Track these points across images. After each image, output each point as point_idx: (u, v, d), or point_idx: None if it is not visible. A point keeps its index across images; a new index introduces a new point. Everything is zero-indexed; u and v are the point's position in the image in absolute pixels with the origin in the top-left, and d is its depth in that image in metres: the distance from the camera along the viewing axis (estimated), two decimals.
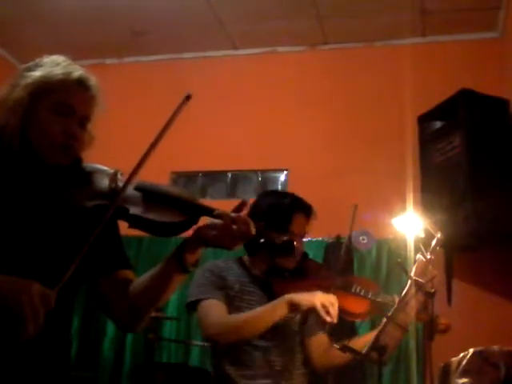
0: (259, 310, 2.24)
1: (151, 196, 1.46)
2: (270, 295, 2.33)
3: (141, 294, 1.50)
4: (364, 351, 2.24)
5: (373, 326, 3.58)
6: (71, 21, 4.85)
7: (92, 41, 5.13)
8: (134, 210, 1.41)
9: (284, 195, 2.50)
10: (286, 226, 2.31)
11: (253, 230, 1.40)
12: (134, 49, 5.26)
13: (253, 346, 2.26)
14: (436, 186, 4.05)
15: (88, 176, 1.50)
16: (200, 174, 5.15)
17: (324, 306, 2.19)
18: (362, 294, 2.42)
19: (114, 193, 1.42)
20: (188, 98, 1.43)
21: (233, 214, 1.41)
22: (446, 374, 2.08)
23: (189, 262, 1.45)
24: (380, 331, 2.26)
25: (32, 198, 1.44)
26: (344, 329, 2.52)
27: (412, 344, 3.71)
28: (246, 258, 2.47)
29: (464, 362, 1.97)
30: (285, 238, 1.45)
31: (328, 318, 2.18)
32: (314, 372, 2.54)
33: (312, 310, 2.22)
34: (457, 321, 3.85)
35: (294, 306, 2.21)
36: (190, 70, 5.19)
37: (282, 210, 2.34)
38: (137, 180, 1.46)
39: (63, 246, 1.43)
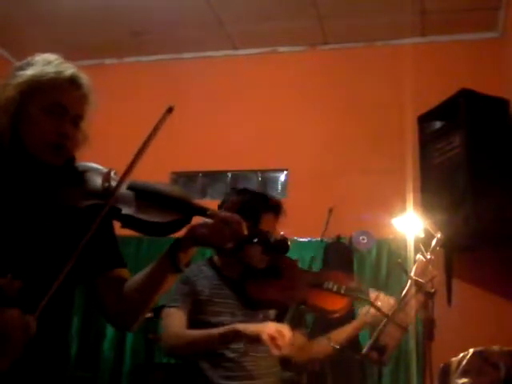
0: (208, 333, 2.21)
1: (144, 195, 1.45)
2: (244, 297, 2.32)
3: (134, 293, 1.50)
4: (364, 351, 2.24)
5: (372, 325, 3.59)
6: (71, 21, 4.84)
7: (92, 41, 5.12)
8: (127, 210, 1.41)
9: (252, 194, 2.44)
10: (255, 225, 2.30)
11: (245, 230, 1.40)
12: (133, 49, 5.26)
13: (228, 348, 2.25)
14: (436, 186, 4.05)
15: (81, 175, 1.49)
16: (200, 174, 5.15)
17: (272, 338, 2.11)
18: (334, 289, 2.40)
19: (108, 192, 1.42)
20: (170, 110, 1.40)
21: (225, 214, 1.41)
22: (445, 374, 2.08)
23: (181, 261, 1.44)
24: (380, 331, 2.26)
25: (24, 198, 1.43)
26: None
27: (412, 344, 3.71)
28: (216, 258, 2.44)
29: (464, 362, 1.97)
30: (278, 237, 1.45)
31: (274, 351, 2.11)
32: (313, 372, 2.54)
33: (258, 340, 2.14)
34: (457, 321, 3.87)
35: (240, 337, 2.18)
36: (190, 70, 5.19)
37: (250, 210, 2.26)
38: (132, 179, 1.46)
39: (56, 247, 1.42)
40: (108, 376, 4.51)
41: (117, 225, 1.50)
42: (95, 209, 1.36)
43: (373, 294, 2.43)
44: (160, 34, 5.02)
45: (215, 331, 2.19)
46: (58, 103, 1.46)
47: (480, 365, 1.93)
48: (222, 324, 2.25)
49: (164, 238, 1.47)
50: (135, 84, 5.26)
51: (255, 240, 1.43)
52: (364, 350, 2.30)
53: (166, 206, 1.43)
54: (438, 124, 4.26)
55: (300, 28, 4.84)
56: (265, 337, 2.11)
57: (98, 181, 1.46)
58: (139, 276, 1.51)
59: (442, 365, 2.14)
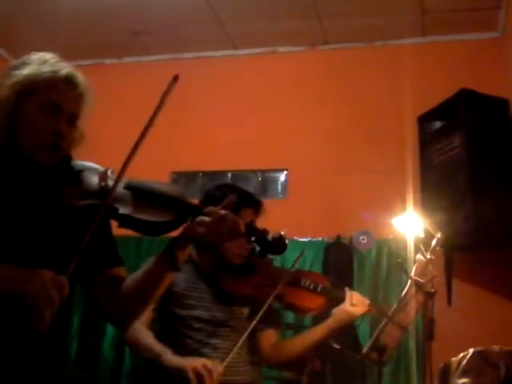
0: (148, 347, 2.21)
1: (141, 195, 1.45)
2: (218, 291, 2.32)
3: (132, 291, 1.50)
4: (364, 351, 2.24)
5: (372, 325, 3.59)
6: (71, 21, 4.84)
7: (91, 41, 5.12)
8: (124, 210, 1.40)
9: (232, 189, 2.41)
10: None
11: (242, 228, 1.40)
12: (133, 49, 5.26)
13: (202, 343, 2.25)
14: (436, 186, 4.05)
15: (78, 174, 1.49)
16: (200, 174, 5.15)
17: (198, 375, 2.06)
18: (311, 288, 2.40)
19: (104, 191, 1.41)
20: (176, 78, 1.41)
21: (222, 212, 1.41)
22: (445, 374, 2.08)
23: (179, 259, 1.44)
24: (380, 331, 2.26)
25: (21, 197, 1.42)
26: (344, 327, 2.51)
27: (412, 344, 3.71)
28: (194, 252, 2.43)
29: (464, 362, 1.97)
30: (276, 236, 1.44)
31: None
32: (313, 372, 2.55)
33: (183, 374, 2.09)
34: (457, 321, 3.87)
35: (167, 367, 2.15)
36: (190, 70, 5.19)
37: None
38: (130, 178, 1.45)
39: (54, 246, 1.42)
40: (108, 376, 4.51)
41: (114, 224, 1.50)
42: (92, 208, 1.36)
43: (348, 292, 2.42)
44: (160, 34, 5.02)
45: (154, 350, 2.19)
46: (54, 102, 1.45)
47: (480, 365, 1.93)
48: (197, 318, 2.25)
49: (162, 237, 1.47)
50: (135, 84, 5.25)
51: (252, 238, 1.43)
52: (364, 350, 2.31)
53: (163, 205, 1.42)
54: (437, 124, 4.26)
55: (300, 28, 4.83)
56: (190, 374, 2.06)
57: (94, 180, 1.46)
58: (137, 274, 1.51)
59: (441, 365, 2.14)
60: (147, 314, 2.25)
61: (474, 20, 4.55)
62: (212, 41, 5.07)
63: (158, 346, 2.20)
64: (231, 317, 2.31)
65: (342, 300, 2.43)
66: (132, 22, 4.85)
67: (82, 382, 4.19)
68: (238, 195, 2.31)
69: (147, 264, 1.50)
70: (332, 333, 2.43)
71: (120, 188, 1.43)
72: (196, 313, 2.27)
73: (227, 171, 5.05)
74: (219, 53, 5.21)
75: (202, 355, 2.21)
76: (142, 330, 2.23)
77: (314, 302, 2.41)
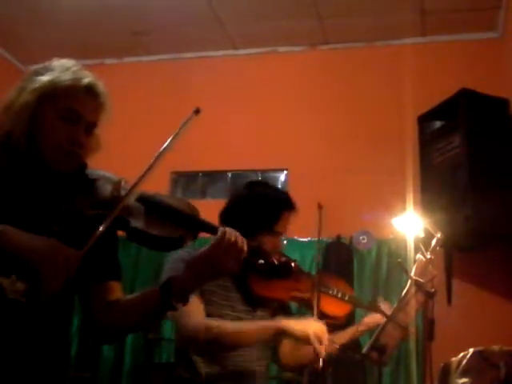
0: (247, 327, 2.14)
1: (153, 209, 1.44)
2: (244, 291, 2.27)
3: (124, 317, 1.51)
4: (364, 351, 2.24)
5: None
6: (71, 21, 4.84)
7: (92, 41, 5.13)
8: (136, 223, 1.40)
9: (272, 189, 2.38)
10: (272, 223, 2.22)
11: (245, 253, 1.40)
12: (133, 49, 5.26)
13: None
14: (436, 186, 4.05)
15: (92, 183, 1.49)
16: (200, 174, 5.15)
17: (318, 337, 2.07)
18: (339, 296, 2.41)
19: (117, 202, 1.41)
20: (197, 111, 1.47)
21: (229, 239, 1.40)
22: (445, 373, 2.08)
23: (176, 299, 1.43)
24: (380, 331, 2.26)
25: (35, 203, 1.43)
26: (344, 327, 2.52)
27: (412, 344, 3.71)
28: None
29: (464, 362, 1.97)
30: (282, 260, 1.44)
31: (321, 351, 2.07)
32: (313, 372, 2.54)
33: (306, 341, 2.09)
34: (457, 321, 3.87)
35: (285, 334, 2.13)
36: (190, 70, 5.19)
37: (271, 205, 2.23)
38: (143, 191, 1.45)
39: None
40: (108, 376, 4.51)
41: None
42: (102, 218, 1.36)
43: (383, 304, 2.44)
44: (160, 33, 5.03)
45: (258, 324, 2.15)
46: (73, 110, 1.45)
47: (480, 365, 1.93)
48: (222, 316, 2.18)
49: None
50: (135, 84, 5.26)
51: (261, 261, 1.43)
52: (364, 350, 2.30)
53: (175, 221, 1.42)
54: (437, 124, 4.27)
55: (300, 28, 4.84)
56: (312, 337, 2.07)
57: (108, 190, 1.46)
58: (132, 300, 1.52)
59: (441, 365, 2.13)
60: (201, 307, 2.13)
61: (474, 20, 4.55)
62: (212, 41, 5.08)
63: (251, 324, 2.15)
64: (254, 319, 2.26)
65: (368, 309, 2.45)
66: (132, 22, 4.85)
67: (82, 382, 4.20)
68: (283, 196, 2.30)
69: (144, 292, 1.50)
70: (353, 339, 2.45)
71: (132, 201, 1.44)
72: (221, 311, 2.21)
73: (227, 171, 5.05)
74: (219, 53, 5.22)
75: (230, 361, 2.19)
76: (212, 323, 2.10)
77: (342, 311, 2.40)
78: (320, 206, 2.54)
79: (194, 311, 2.09)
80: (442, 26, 4.68)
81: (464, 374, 1.94)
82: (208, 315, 2.16)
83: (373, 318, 2.46)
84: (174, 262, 2.13)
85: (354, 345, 2.60)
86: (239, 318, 2.23)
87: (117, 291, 1.54)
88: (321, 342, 2.08)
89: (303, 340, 2.11)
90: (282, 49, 5.14)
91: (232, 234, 1.41)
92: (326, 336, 2.10)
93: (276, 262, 1.43)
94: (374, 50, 4.93)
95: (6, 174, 1.44)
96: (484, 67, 4.52)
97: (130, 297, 1.54)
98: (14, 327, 1.37)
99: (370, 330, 2.47)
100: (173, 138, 1.42)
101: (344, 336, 2.47)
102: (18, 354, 1.38)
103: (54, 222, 1.42)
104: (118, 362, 4.52)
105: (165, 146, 1.41)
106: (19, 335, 1.38)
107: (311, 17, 4.66)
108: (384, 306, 2.44)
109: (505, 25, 4.46)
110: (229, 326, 2.12)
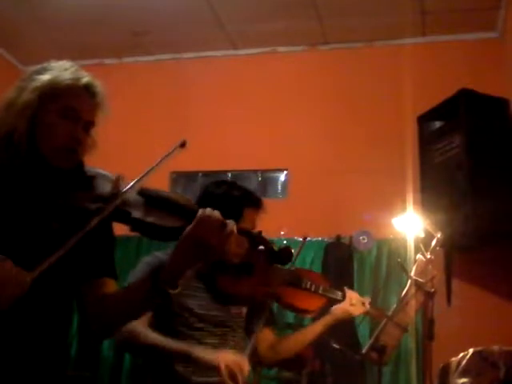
0: (161, 344, 2.12)
1: (153, 201, 1.47)
2: (215, 291, 2.28)
3: (117, 309, 1.51)
4: (364, 351, 2.24)
5: (372, 325, 3.59)
6: (71, 21, 4.84)
7: (92, 41, 5.12)
8: (136, 214, 1.42)
9: (235, 187, 2.38)
10: (235, 221, 2.25)
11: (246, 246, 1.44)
12: (133, 49, 5.26)
13: (201, 343, 2.21)
14: (436, 186, 4.05)
15: (91, 180, 1.52)
16: (200, 174, 5.15)
17: (230, 371, 2.01)
18: (312, 289, 2.39)
19: (116, 196, 1.43)
20: (183, 145, 1.49)
21: (209, 215, 1.41)
22: (445, 373, 2.08)
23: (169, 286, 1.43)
24: (380, 331, 2.26)
25: (35, 200, 1.45)
26: (344, 327, 2.52)
27: (412, 344, 3.71)
28: None
29: (464, 362, 1.97)
30: (282, 246, 1.44)
31: None
32: (313, 372, 2.54)
33: (214, 369, 2.04)
34: (457, 321, 3.87)
35: (193, 361, 2.10)
36: (190, 70, 5.19)
37: (232, 203, 2.22)
38: (142, 186, 1.48)
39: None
40: (108, 376, 4.51)
41: (116, 226, 1.51)
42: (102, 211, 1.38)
43: (348, 292, 2.43)
44: (160, 34, 5.02)
45: (170, 345, 2.11)
46: (73, 108, 1.49)
47: (480, 365, 1.93)
48: (196, 317, 2.22)
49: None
50: (135, 84, 5.25)
51: (261, 247, 1.44)
52: (364, 350, 2.31)
53: (173, 211, 1.44)
54: (437, 124, 4.26)
55: (300, 28, 4.84)
56: (223, 369, 2.01)
57: (107, 186, 1.49)
58: (123, 293, 1.53)
59: (441, 365, 2.14)
60: (147, 315, 2.19)
61: (474, 20, 4.55)
62: (212, 41, 5.08)
63: (170, 343, 2.13)
64: (229, 316, 2.30)
65: (341, 301, 2.43)
66: (132, 22, 4.85)
67: (82, 382, 4.20)
68: (241, 193, 2.30)
69: (135, 283, 1.51)
70: (327, 330, 2.42)
71: (133, 194, 1.46)
72: (194, 312, 2.26)
73: (227, 171, 5.05)
74: (219, 53, 5.21)
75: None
76: (143, 331, 2.13)
77: (314, 304, 2.39)
78: (304, 238, 2.56)
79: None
80: (442, 26, 4.67)
81: (464, 373, 1.95)
82: (181, 317, 2.21)
83: (338, 308, 2.44)
84: (142, 265, 2.26)
85: (354, 345, 2.60)
86: (213, 317, 2.25)
87: (111, 288, 1.55)
88: (233, 377, 2.01)
89: (211, 369, 2.05)
90: (281, 49, 5.13)
91: (212, 211, 1.43)
92: (242, 370, 2.03)
93: (275, 249, 1.44)
94: (373, 50, 4.93)
95: (6, 172, 1.47)
96: (484, 67, 4.52)
97: (121, 288, 1.55)
98: (14, 327, 1.37)
99: (340, 321, 2.42)
100: (154, 167, 1.45)
101: (311, 329, 2.45)
102: (18, 354, 1.38)
103: (54, 218, 1.44)
104: (117, 361, 4.52)
105: (144, 174, 1.43)
106: (19, 335, 1.38)
107: (311, 17, 4.66)
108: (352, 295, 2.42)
109: (505, 25, 4.45)
110: (151, 338, 2.12)
